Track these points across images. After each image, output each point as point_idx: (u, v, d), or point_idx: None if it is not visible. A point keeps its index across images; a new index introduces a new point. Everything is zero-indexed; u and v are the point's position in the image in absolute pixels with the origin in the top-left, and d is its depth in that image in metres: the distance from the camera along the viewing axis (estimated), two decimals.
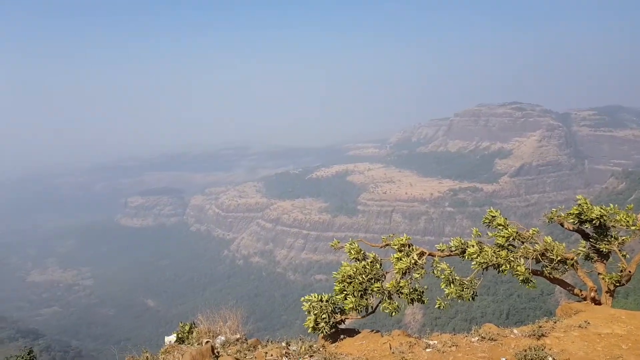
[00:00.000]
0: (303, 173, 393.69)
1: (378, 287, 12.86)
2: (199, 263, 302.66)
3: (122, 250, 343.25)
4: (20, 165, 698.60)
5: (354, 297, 12.87)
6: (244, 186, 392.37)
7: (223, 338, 13.64)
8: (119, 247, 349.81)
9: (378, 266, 13.33)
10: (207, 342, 13.28)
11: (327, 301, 13.40)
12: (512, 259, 12.85)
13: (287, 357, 11.40)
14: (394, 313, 12.83)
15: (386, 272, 13.47)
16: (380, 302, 13.20)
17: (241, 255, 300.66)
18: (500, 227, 13.63)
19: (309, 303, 13.44)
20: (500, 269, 12.85)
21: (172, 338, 14.93)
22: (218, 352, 12.30)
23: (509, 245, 13.27)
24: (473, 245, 13.12)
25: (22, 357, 13.50)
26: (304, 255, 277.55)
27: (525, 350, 10.28)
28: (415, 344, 11.52)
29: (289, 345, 12.51)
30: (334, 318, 13.27)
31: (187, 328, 15.05)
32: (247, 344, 13.16)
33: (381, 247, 14.26)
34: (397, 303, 12.93)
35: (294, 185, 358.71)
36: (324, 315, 13.07)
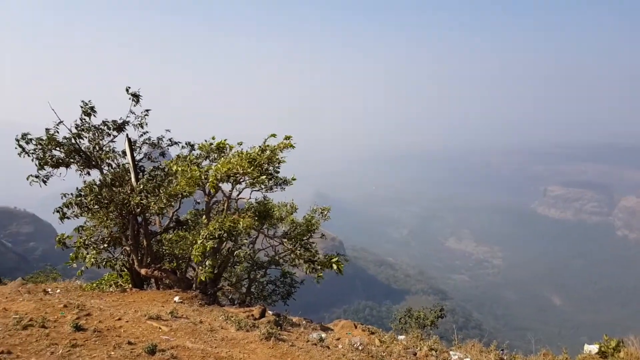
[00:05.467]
0: None
1: None
2: (622, 273, 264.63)
3: (535, 239, 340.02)
4: (454, 142, 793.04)
5: None
6: None
7: None
8: (532, 235, 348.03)
9: None
10: None
11: None
12: None
13: None
14: None
15: None
16: None
17: None
18: None
19: None
20: None
21: (592, 348, 12.89)
22: None
23: None
24: None
25: (435, 312, 15.87)
26: None
27: None
28: None
29: None
30: None
31: (612, 344, 12.64)
32: None
33: None
34: None
35: None
36: None
